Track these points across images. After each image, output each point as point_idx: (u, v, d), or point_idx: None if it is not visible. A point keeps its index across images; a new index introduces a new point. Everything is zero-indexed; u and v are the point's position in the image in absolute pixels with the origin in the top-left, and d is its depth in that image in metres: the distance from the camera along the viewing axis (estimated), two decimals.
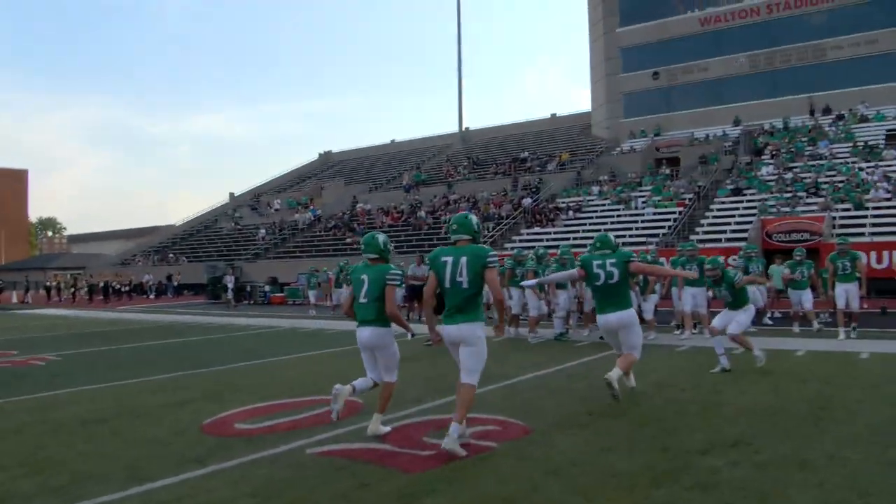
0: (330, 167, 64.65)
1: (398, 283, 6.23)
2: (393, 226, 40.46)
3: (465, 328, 5.64)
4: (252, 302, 32.59)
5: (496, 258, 5.85)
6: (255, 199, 57.59)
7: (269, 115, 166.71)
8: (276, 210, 51.46)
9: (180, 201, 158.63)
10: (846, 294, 12.22)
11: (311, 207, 49.43)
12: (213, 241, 49.90)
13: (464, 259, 5.62)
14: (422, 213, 39.99)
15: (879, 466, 4.81)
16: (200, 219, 57.21)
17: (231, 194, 61.54)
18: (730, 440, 5.55)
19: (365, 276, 6.16)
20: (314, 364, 11.05)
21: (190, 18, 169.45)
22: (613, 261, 7.22)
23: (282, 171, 66.39)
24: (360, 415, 6.95)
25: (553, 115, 56.75)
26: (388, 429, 6.24)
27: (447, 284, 5.69)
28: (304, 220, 46.48)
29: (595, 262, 7.29)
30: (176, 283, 42.00)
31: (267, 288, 33.34)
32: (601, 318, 7.37)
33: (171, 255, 48.36)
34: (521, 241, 31.58)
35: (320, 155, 69.35)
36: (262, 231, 46.32)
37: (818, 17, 40.77)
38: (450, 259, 5.70)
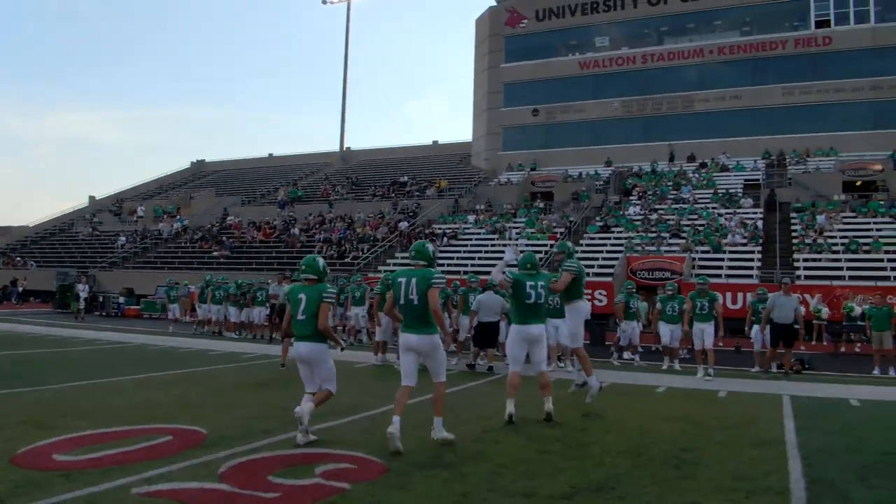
0: (202, 177, 61.99)
1: (332, 300, 6.89)
2: (265, 242, 39.11)
3: (425, 339, 6.64)
4: (104, 314, 30.45)
5: (441, 280, 6.81)
6: (118, 204, 54.26)
7: (140, 120, 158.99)
8: (140, 217, 48.60)
9: (36, 202, 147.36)
10: (702, 333, 12.48)
11: (178, 217, 47.12)
12: (66, 247, 46.46)
13: (414, 280, 6.61)
14: (295, 231, 38.89)
15: None
16: (55, 221, 53.13)
17: (91, 197, 57.76)
18: (594, 484, 5.29)
19: (303, 296, 6.74)
20: (160, 387, 10.08)
21: (67, 17, 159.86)
22: (543, 283, 7.91)
23: (149, 178, 63.11)
24: (200, 447, 6.24)
25: (435, 143, 57.04)
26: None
27: (402, 301, 6.66)
28: (170, 230, 44.15)
29: (528, 283, 7.81)
30: (21, 289, 38.58)
31: (121, 299, 31.23)
32: (524, 329, 7.78)
33: (18, 259, 44.55)
34: (394, 264, 31.18)
35: (192, 163, 66.43)
36: (123, 238, 43.54)
37: (688, 71, 43.10)
38: (403, 280, 6.69)
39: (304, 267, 6.89)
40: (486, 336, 12.88)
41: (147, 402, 8.60)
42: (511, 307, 8.24)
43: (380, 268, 30.55)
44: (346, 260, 33.87)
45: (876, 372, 13.73)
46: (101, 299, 31.44)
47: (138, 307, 30.57)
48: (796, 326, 13.32)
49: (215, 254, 38.39)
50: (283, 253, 36.90)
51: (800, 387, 11.35)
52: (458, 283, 15.48)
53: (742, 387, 11.22)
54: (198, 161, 66.60)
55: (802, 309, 15.22)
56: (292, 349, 7.31)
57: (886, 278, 23.88)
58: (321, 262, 6.97)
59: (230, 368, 12.19)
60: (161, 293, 28.08)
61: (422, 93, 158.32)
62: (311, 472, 5.48)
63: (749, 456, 6.31)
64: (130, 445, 6.25)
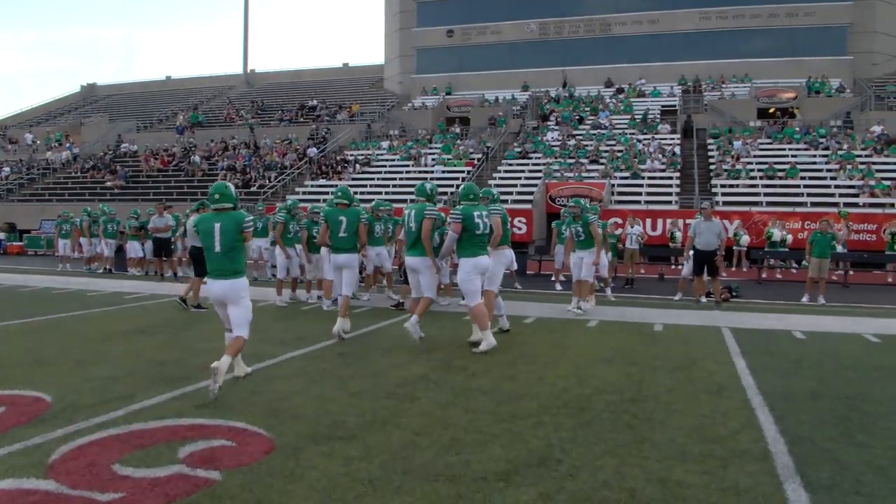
0: (93, 101, 57.44)
1: (252, 228, 6.35)
2: (162, 170, 36.42)
3: (419, 260, 7.91)
4: None
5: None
6: (2, 132, 49.72)
7: (25, 43, 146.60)
8: (27, 146, 44.58)
9: None
10: (581, 262, 10.88)
11: (68, 145, 43.43)
12: None
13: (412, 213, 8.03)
14: (196, 158, 36.29)
15: (727, 498, 3.63)
16: None
17: None
18: (535, 457, 4.17)
19: (217, 225, 5.98)
20: (11, 338, 8.45)
21: None
22: (485, 213, 7.80)
23: (36, 103, 58.05)
24: (36, 423, 4.82)
25: (345, 65, 54.30)
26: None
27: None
28: (59, 160, 40.60)
29: (475, 213, 7.62)
30: None
31: (1, 235, 28.42)
32: (476, 261, 7.61)
33: None
34: (304, 192, 29.43)
35: (83, 87, 61.41)
36: (7, 170, 39.80)
37: None
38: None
39: (216, 195, 6.07)
40: None
41: None
42: (460, 241, 7.69)
43: (287, 196, 28.70)
44: (251, 189, 31.82)
45: (805, 299, 13.25)
46: None
47: (21, 243, 27.90)
48: (718, 252, 12.57)
49: (108, 184, 35.55)
50: (182, 182, 34.49)
51: (735, 317, 10.63)
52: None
53: (675, 318, 10.41)
54: (88, 84, 61.68)
55: (724, 235, 14.59)
56: (205, 288, 6.88)
57: (803, 204, 23.82)
58: (232, 188, 6.24)
59: (106, 313, 10.55)
60: (47, 227, 25.55)
61: (330, 10, 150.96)
62: (174, 456, 4.16)
63: (709, 407, 5.34)
64: None
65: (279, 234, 11.89)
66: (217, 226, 5.98)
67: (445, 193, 26.43)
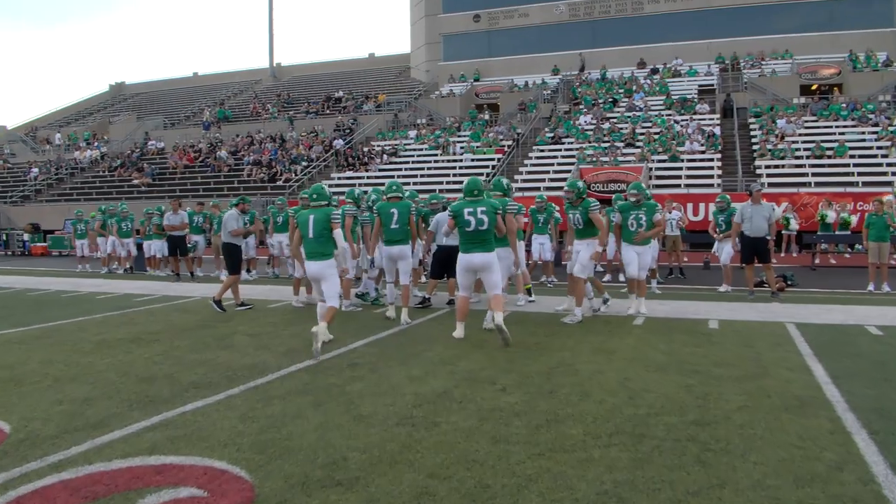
0: (122, 100, 57.41)
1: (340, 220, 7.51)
2: (189, 167, 35.95)
3: (489, 256, 7.65)
4: (9, 252, 27.41)
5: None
6: (32, 133, 49.82)
7: (54, 40, 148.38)
8: (55, 146, 44.54)
9: None
10: (542, 247, 12.82)
11: (96, 144, 43.26)
12: None
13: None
14: (222, 153, 35.75)
15: None
16: None
17: (3, 128, 52.91)
18: None
19: (311, 217, 7.38)
20: None
21: None
22: (484, 209, 7.57)
23: (66, 104, 58.21)
24: None
25: (371, 55, 53.48)
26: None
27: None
28: (87, 159, 40.39)
29: (466, 210, 7.60)
30: None
31: (26, 236, 28.09)
32: (466, 258, 7.67)
33: None
34: (331, 185, 28.65)
35: (111, 86, 61.49)
36: (35, 170, 39.67)
37: None
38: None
39: (314, 195, 7.58)
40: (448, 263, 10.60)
41: None
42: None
43: None
44: (277, 183, 31.18)
45: (871, 288, 12.07)
46: (4, 237, 28.30)
47: (45, 244, 27.55)
48: (769, 238, 11.47)
49: (135, 182, 35.20)
50: (209, 178, 34.00)
51: (797, 311, 9.54)
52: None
53: (730, 313, 9.35)
54: (117, 83, 61.80)
55: (777, 216, 13.43)
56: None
57: (853, 184, 22.41)
58: (327, 188, 7.76)
59: (107, 318, 9.79)
60: (69, 227, 25.13)
61: (355, 0, 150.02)
62: None
63: (794, 431, 4.35)
64: None
65: (292, 229, 10.95)
66: (311, 217, 7.34)
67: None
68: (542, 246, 12.79)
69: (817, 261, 17.42)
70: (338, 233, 7.32)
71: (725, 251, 12.22)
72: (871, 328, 8.05)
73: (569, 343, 7.26)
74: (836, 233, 18.35)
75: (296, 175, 31.38)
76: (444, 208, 10.87)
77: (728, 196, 12.71)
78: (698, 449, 4.03)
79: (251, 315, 9.77)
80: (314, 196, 7.64)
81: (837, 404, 4.92)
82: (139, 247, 18.01)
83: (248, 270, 15.48)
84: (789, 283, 12.65)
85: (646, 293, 9.52)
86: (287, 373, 6.04)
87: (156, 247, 16.99)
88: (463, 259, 7.68)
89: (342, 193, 20.18)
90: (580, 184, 9.12)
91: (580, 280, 8.89)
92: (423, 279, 11.95)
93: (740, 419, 4.59)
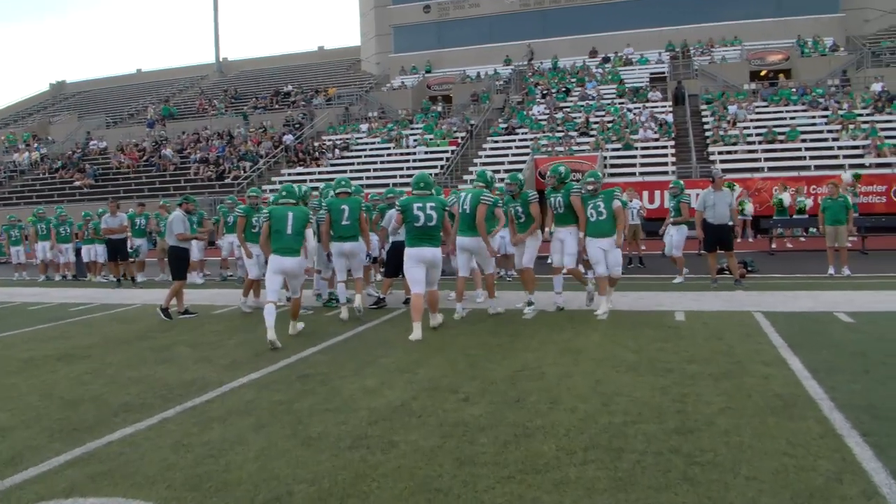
0: (63, 99, 55.49)
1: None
2: (133, 166, 34.77)
3: (472, 241, 8.31)
4: None
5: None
6: None
7: None
8: None
9: None
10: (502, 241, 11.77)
11: (36, 145, 41.63)
12: None
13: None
14: (167, 152, 34.66)
15: None
16: None
17: None
18: None
19: (290, 213, 7.54)
20: None
21: None
22: (433, 205, 7.60)
23: (4, 104, 56.10)
24: None
25: (321, 48, 52.56)
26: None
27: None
28: (26, 161, 38.82)
29: (415, 205, 7.59)
30: None
31: None
32: (415, 251, 7.62)
33: None
34: (280, 182, 27.88)
35: (52, 85, 59.40)
36: None
37: None
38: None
39: (284, 192, 7.89)
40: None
41: None
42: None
43: (264, 187, 27.19)
44: (225, 180, 30.30)
45: (831, 272, 11.95)
46: None
47: None
48: (730, 224, 11.30)
49: (77, 183, 33.92)
50: (154, 178, 32.95)
51: (763, 298, 9.31)
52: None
53: (695, 303, 9.07)
54: (58, 82, 59.73)
55: (734, 205, 13.26)
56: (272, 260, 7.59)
57: (806, 167, 22.56)
58: (299, 188, 8.27)
59: (37, 332, 9.09)
60: (2, 234, 23.91)
61: None
62: None
63: (783, 437, 4.00)
64: None
65: (241, 229, 10.29)
66: (290, 214, 7.47)
67: (432, 174, 25.00)
68: (503, 239, 12.14)
69: (774, 245, 17.38)
70: (309, 232, 7.64)
71: (676, 240, 11.87)
72: (841, 315, 7.82)
73: (532, 344, 6.87)
74: (793, 217, 18.36)
75: (244, 172, 30.54)
76: None
77: (682, 182, 12.36)
78: (684, 463, 3.65)
79: (194, 323, 9.19)
80: (283, 194, 7.83)
81: (822, 402, 4.60)
82: (77, 252, 17.11)
83: (202, 273, 14.81)
84: (749, 269, 12.48)
85: (605, 291, 9.06)
86: (229, 389, 5.52)
87: (95, 251, 16.18)
88: (412, 252, 7.64)
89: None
90: (562, 168, 8.77)
91: (576, 270, 8.98)
92: (378, 277, 11.49)
93: (724, 424, 4.24)
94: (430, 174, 24.90)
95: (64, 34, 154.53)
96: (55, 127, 45.30)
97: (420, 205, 7.58)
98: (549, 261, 9.02)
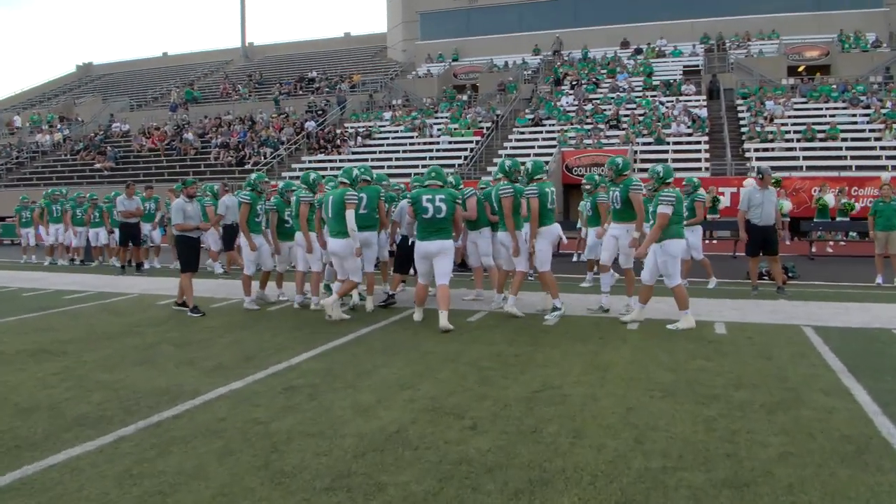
0: (89, 81, 55.37)
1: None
2: (154, 150, 34.32)
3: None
4: None
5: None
6: None
7: (21, 20, 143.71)
8: (17, 129, 42.59)
9: None
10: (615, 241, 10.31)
11: (60, 127, 41.41)
12: None
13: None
14: (188, 136, 34.17)
15: None
16: None
17: None
18: None
19: (331, 197, 7.83)
20: None
21: None
22: (442, 196, 7.53)
23: (31, 85, 56.05)
24: None
25: (347, 35, 51.86)
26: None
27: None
28: (48, 142, 38.56)
29: (424, 197, 7.54)
30: None
31: None
32: (421, 245, 7.64)
33: None
34: (301, 169, 27.25)
35: (78, 67, 59.33)
36: None
37: None
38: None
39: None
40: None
41: None
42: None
43: (283, 174, 26.59)
44: (246, 166, 29.72)
45: (879, 281, 11.01)
46: None
47: None
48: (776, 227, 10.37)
49: (97, 166, 33.55)
50: (174, 162, 32.45)
51: (810, 310, 8.43)
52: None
53: (737, 314, 8.21)
54: (85, 64, 59.65)
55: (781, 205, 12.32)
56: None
57: (847, 167, 21.47)
58: (354, 170, 8.28)
59: (22, 322, 8.48)
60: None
61: None
62: None
63: (861, 496, 3.21)
64: None
65: (244, 217, 9.53)
66: (331, 198, 7.73)
67: (452, 166, 24.24)
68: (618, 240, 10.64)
69: (814, 249, 16.41)
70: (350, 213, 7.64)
71: (692, 241, 10.63)
72: None
73: (554, 356, 6.09)
74: (835, 220, 17.35)
75: (265, 158, 29.95)
76: None
77: (696, 179, 11.19)
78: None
79: (188, 317, 8.52)
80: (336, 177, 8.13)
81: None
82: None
83: (223, 264, 13.86)
84: (790, 275, 11.62)
85: (633, 289, 8.28)
86: (202, 402, 4.81)
87: (98, 235, 15.79)
88: (420, 246, 7.69)
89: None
90: (619, 160, 7.94)
91: (631, 273, 8.33)
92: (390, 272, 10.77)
93: (786, 476, 3.45)
94: (454, 164, 24.24)
95: (92, 16, 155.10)
96: (80, 108, 45.09)
97: (429, 196, 7.54)
98: (582, 258, 8.33)
